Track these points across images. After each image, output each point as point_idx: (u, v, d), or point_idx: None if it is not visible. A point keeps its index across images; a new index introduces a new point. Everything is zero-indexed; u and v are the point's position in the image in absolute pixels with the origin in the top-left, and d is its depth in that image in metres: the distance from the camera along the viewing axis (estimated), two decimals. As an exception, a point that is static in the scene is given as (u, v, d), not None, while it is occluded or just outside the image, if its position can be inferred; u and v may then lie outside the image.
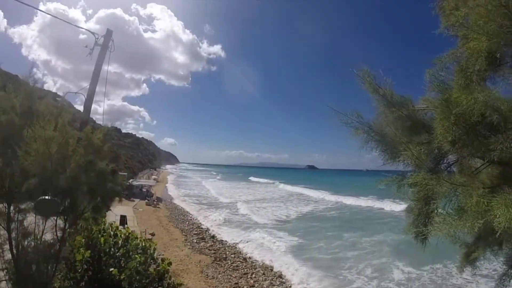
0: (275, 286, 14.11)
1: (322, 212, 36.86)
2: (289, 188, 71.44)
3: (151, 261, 5.41)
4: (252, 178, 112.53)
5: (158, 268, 5.29)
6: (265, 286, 14.13)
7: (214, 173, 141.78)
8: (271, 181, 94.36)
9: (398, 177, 3.37)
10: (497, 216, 2.09)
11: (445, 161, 3.22)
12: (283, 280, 14.81)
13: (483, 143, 2.55)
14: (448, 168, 3.23)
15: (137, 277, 4.99)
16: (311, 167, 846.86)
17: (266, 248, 19.59)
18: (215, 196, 49.04)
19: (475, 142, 2.57)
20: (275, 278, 15.02)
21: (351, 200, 45.46)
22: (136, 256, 5.23)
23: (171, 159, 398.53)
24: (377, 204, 39.72)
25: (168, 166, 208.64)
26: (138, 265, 5.02)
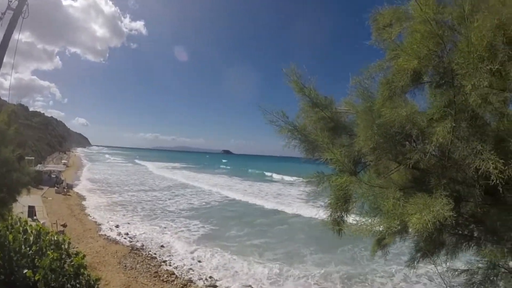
0: (195, 271, 14.19)
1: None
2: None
3: (66, 256, 4.92)
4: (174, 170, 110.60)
5: (73, 263, 4.85)
6: (184, 271, 14.15)
7: (131, 158, 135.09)
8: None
9: (319, 174, 3.52)
10: (412, 220, 2.30)
11: (362, 161, 3.44)
12: (204, 264, 15.16)
13: (401, 151, 2.77)
14: (364, 168, 3.46)
15: (53, 276, 4.51)
16: (227, 152, 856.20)
17: (182, 234, 19.86)
18: (128, 181, 47.35)
19: (394, 150, 2.79)
20: (194, 263, 15.22)
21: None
22: (49, 252, 4.71)
23: (82, 141, 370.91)
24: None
25: (79, 149, 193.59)
26: (51, 262, 4.52)
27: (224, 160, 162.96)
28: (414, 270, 4.47)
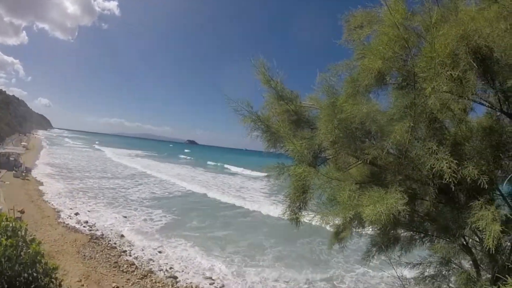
0: (156, 262, 14.09)
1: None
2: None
3: (23, 244, 4.74)
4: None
5: (29, 251, 4.67)
6: (145, 262, 13.99)
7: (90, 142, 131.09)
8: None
9: (279, 165, 3.65)
10: (366, 211, 2.44)
11: (322, 155, 3.57)
12: (165, 254, 15.06)
13: (359, 146, 2.90)
14: (324, 161, 3.60)
15: (8, 264, 4.33)
16: (191, 142, 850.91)
17: (144, 224, 19.68)
18: (89, 167, 46.05)
19: (353, 145, 2.92)
20: (155, 253, 15.06)
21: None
22: (3, 239, 4.51)
23: (44, 123, 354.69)
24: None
25: (40, 132, 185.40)
26: (6, 249, 4.34)
27: (186, 150, 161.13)
28: (370, 263, 4.68)
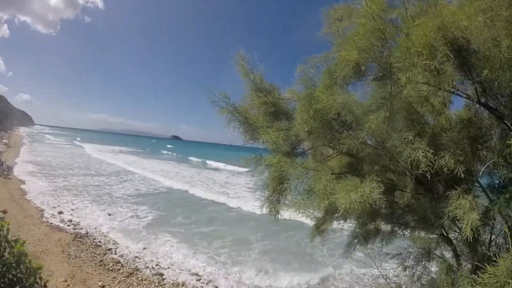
0: (141, 259, 13.97)
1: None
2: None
3: (6, 244, 4.64)
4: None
5: (14, 251, 4.58)
6: (130, 260, 13.84)
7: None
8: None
9: (256, 156, 3.67)
10: (340, 198, 2.47)
11: (300, 147, 3.60)
12: (151, 251, 14.93)
13: (335, 136, 2.92)
14: (303, 154, 3.63)
15: None
16: (176, 138, 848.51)
17: (129, 221, 19.53)
18: (73, 164, 45.38)
19: (329, 135, 2.93)
20: (141, 250, 14.92)
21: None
22: None
23: (25, 119, 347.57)
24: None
25: (21, 129, 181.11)
26: None
27: (169, 146, 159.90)
28: (352, 255, 4.74)
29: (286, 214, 3.52)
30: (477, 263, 3.19)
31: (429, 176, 2.61)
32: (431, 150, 2.53)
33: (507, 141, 2.77)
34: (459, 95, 3.28)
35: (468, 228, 2.51)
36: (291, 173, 3.00)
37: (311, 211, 3.13)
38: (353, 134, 2.81)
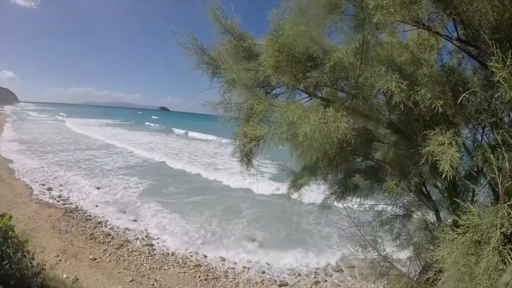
0: (131, 231, 14.05)
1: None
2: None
3: None
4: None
5: (0, 226, 4.50)
6: (121, 232, 13.91)
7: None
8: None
9: (225, 100, 3.55)
10: (299, 122, 2.32)
11: (273, 92, 3.47)
12: (141, 223, 15.02)
13: (300, 70, 2.74)
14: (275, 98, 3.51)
15: None
16: (163, 109, 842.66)
17: (118, 193, 19.52)
18: (61, 140, 44.81)
19: (294, 68, 2.75)
20: (131, 222, 15.00)
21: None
22: None
23: (9, 97, 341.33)
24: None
25: (6, 107, 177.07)
26: None
27: (154, 117, 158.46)
28: (329, 211, 4.66)
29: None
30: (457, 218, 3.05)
31: (403, 117, 2.45)
32: (406, 82, 2.36)
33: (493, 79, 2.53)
34: (439, 34, 3.08)
35: (447, 165, 2.34)
36: (256, 109, 2.85)
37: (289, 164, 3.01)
38: (320, 69, 2.62)
